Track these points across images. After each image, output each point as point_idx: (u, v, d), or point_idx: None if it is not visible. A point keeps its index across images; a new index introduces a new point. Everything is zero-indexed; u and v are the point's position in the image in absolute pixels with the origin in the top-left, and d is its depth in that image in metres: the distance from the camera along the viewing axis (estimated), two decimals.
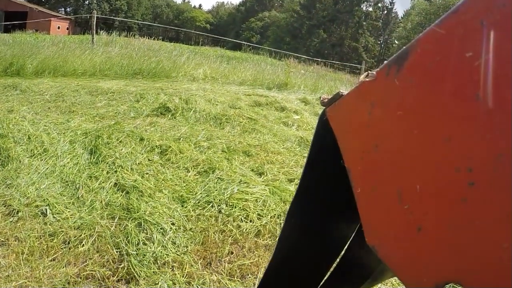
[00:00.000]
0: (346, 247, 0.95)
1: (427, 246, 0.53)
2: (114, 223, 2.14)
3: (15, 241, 1.95)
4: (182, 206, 2.36)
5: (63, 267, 1.80)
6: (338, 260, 0.99)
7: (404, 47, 0.61)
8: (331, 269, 0.98)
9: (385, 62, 0.65)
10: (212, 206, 2.37)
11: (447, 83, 0.54)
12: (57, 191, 2.42)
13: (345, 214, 0.82)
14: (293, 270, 0.93)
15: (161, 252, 1.94)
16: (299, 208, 0.85)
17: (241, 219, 2.27)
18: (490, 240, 0.46)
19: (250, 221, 2.26)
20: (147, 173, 2.71)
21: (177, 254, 1.95)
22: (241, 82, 7.70)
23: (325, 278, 0.96)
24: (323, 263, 0.94)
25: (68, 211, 2.22)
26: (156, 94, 4.89)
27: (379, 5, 51.88)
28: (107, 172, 2.67)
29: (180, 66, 7.80)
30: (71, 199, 2.37)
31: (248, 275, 1.90)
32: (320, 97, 0.81)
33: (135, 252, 1.91)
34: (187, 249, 2.00)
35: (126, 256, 1.89)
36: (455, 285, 0.52)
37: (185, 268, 1.87)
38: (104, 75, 6.74)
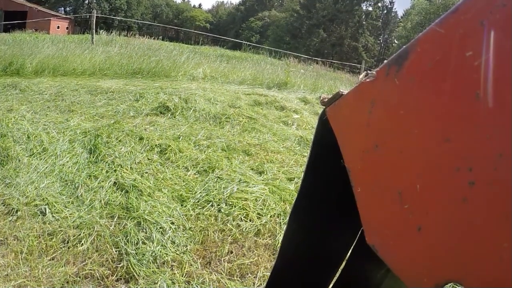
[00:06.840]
0: (350, 260, 0.95)
1: (427, 246, 0.53)
2: (113, 222, 2.14)
3: (14, 240, 1.95)
4: (182, 205, 2.36)
5: (62, 267, 1.80)
6: (343, 272, 0.98)
7: (404, 46, 0.61)
8: (337, 280, 0.98)
9: (385, 61, 0.65)
10: (211, 205, 2.37)
11: (447, 82, 0.54)
12: (56, 190, 2.42)
13: (347, 214, 0.82)
14: (297, 273, 0.92)
15: (160, 251, 1.93)
16: (301, 209, 0.85)
17: (241, 218, 2.27)
18: (490, 240, 0.46)
19: (250, 220, 2.26)
20: (146, 172, 2.71)
21: (177, 254, 1.95)
22: (241, 82, 7.68)
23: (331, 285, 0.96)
24: (327, 265, 0.94)
25: (67, 210, 2.22)
26: (155, 93, 4.88)
27: (379, 4, 51.84)
28: (107, 171, 2.67)
29: (179, 65, 7.78)
30: (70, 198, 2.37)
31: (247, 274, 1.90)
32: (320, 97, 0.81)
33: (134, 252, 1.91)
34: (187, 249, 2.00)
35: (125, 256, 1.89)
36: (455, 285, 0.52)
37: (185, 267, 1.87)
38: (103, 74, 6.73)
